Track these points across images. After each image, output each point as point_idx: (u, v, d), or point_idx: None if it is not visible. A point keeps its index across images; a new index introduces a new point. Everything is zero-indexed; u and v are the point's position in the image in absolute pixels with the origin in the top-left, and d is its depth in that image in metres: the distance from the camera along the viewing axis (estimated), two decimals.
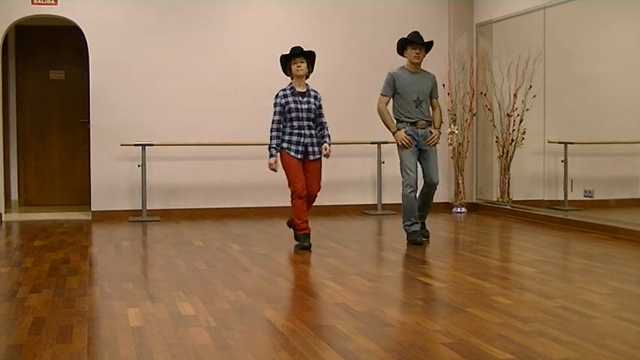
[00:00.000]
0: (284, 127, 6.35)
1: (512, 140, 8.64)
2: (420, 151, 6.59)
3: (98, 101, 8.52)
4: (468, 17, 9.35)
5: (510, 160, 8.73)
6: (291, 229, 6.62)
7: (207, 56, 8.76)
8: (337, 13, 9.11)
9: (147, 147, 8.34)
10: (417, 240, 6.49)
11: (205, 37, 8.78)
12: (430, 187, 6.63)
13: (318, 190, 6.43)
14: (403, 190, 6.56)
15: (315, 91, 6.49)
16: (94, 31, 8.51)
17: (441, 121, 6.78)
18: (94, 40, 8.51)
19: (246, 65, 8.82)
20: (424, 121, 6.58)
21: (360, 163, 9.17)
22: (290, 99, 6.33)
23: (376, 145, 8.92)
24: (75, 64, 9.58)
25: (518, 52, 8.37)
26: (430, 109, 6.71)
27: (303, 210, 6.33)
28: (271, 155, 6.29)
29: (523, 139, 8.52)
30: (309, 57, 6.42)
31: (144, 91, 8.62)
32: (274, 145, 6.29)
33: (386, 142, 8.93)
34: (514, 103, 8.57)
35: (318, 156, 6.40)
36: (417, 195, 6.59)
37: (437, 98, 6.78)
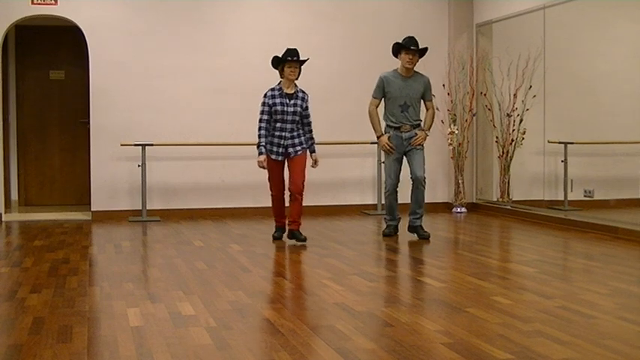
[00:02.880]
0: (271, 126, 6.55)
1: (512, 140, 8.64)
2: (405, 153, 6.79)
3: (98, 101, 8.52)
4: (468, 17, 9.35)
5: (510, 160, 8.73)
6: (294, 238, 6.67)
7: (207, 56, 8.77)
8: (337, 13, 9.11)
9: (147, 147, 8.34)
10: (386, 232, 6.94)
11: (205, 38, 8.78)
12: (417, 183, 6.77)
13: (302, 185, 6.55)
14: (384, 191, 6.99)
15: (303, 92, 6.61)
16: (94, 31, 8.51)
17: (431, 124, 6.92)
18: (94, 40, 8.51)
19: (246, 65, 8.82)
20: (409, 125, 6.74)
21: (360, 163, 9.17)
22: (277, 100, 6.50)
23: (376, 145, 8.91)
24: (75, 64, 9.58)
25: (518, 52, 8.37)
26: (419, 112, 6.83)
27: (277, 207, 6.78)
28: (260, 153, 6.53)
29: (523, 139, 8.52)
30: (303, 63, 6.59)
31: (144, 91, 8.62)
32: (263, 144, 6.51)
33: None
34: (514, 103, 8.57)
35: (299, 152, 6.55)
36: (410, 195, 6.81)
37: (431, 100, 6.88)
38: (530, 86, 8.29)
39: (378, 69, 9.13)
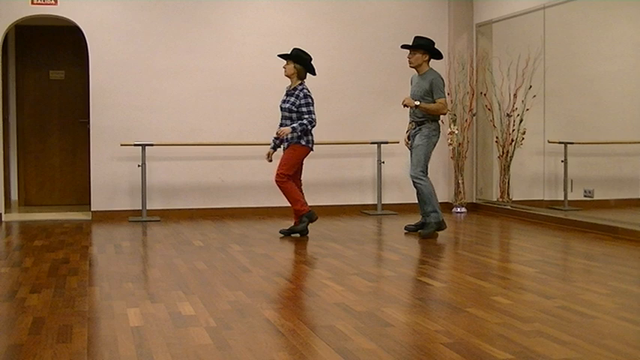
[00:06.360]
0: None
1: (512, 140, 8.64)
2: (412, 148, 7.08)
3: (98, 101, 8.52)
4: (468, 17, 9.35)
5: (510, 160, 8.73)
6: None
7: (207, 56, 8.76)
8: (336, 14, 9.10)
9: (147, 147, 8.34)
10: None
11: (205, 38, 8.78)
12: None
13: (276, 176, 6.86)
14: None
15: (300, 91, 6.86)
16: (94, 31, 8.51)
17: (429, 107, 6.81)
18: (94, 40, 8.51)
19: (246, 65, 8.82)
20: (414, 122, 7.00)
21: (360, 163, 9.16)
22: (283, 97, 7.02)
23: (376, 145, 8.91)
24: (75, 64, 9.58)
25: (518, 52, 8.37)
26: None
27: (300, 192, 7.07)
28: None
29: (523, 139, 8.52)
30: (290, 57, 6.92)
31: (144, 91, 8.62)
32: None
33: (386, 142, 8.94)
34: (514, 103, 8.57)
35: (285, 146, 6.95)
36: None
37: (440, 97, 6.83)
38: (530, 86, 8.29)
39: (378, 69, 9.16)
